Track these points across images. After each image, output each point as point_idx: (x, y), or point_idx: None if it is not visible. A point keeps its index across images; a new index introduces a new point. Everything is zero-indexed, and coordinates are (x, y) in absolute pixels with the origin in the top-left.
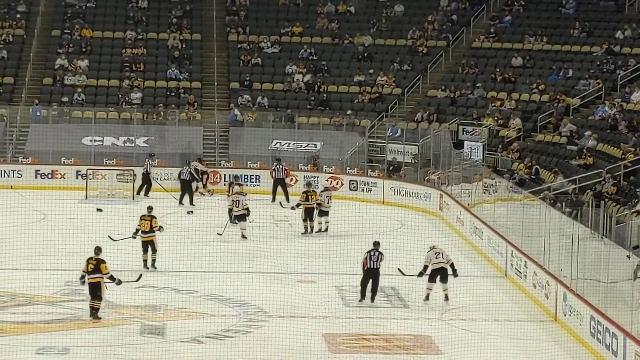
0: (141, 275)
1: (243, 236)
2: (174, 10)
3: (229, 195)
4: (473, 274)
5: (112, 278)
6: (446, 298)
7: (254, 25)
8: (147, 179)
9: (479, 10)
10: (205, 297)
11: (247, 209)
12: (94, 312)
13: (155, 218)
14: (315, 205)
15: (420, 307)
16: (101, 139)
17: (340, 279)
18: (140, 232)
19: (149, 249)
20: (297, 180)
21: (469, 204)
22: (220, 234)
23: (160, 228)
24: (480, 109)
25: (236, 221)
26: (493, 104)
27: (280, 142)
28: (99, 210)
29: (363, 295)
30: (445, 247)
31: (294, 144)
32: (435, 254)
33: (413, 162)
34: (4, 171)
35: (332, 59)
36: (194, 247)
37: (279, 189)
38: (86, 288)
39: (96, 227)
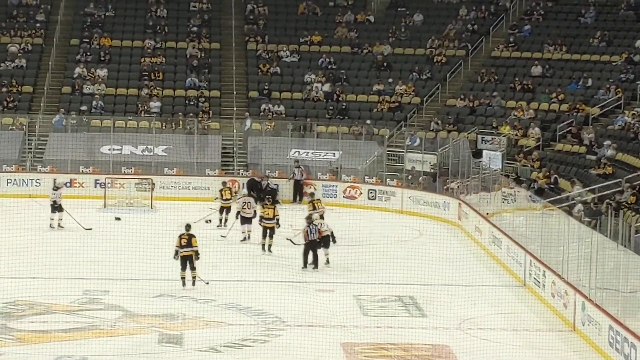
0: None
1: (247, 238)
2: (193, 19)
3: (238, 198)
4: (492, 283)
5: (197, 252)
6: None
7: (272, 34)
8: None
9: (498, 20)
10: (223, 306)
11: (255, 212)
12: (191, 282)
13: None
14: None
15: (439, 317)
16: (120, 147)
17: (359, 288)
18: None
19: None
20: (315, 189)
21: (487, 213)
22: (224, 237)
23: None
24: (499, 118)
25: (244, 223)
26: (513, 114)
27: (299, 151)
28: (118, 219)
29: (305, 265)
30: (464, 256)
31: (312, 153)
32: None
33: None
34: (23, 180)
35: (351, 68)
36: (212, 256)
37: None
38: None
39: (114, 236)
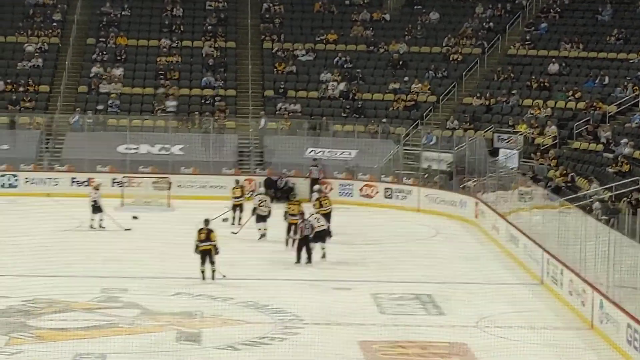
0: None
1: (263, 235)
2: (209, 18)
3: (254, 195)
4: (509, 281)
5: (216, 247)
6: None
7: (288, 32)
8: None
9: (514, 17)
10: (241, 304)
11: (270, 211)
12: (210, 276)
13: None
14: (329, 211)
15: (456, 315)
16: (136, 146)
17: (376, 287)
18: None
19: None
20: (332, 188)
21: (504, 212)
22: (236, 233)
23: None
24: (515, 116)
25: (259, 221)
26: (529, 112)
27: (315, 150)
28: (135, 218)
29: (298, 260)
30: (481, 254)
31: (328, 152)
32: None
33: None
34: (41, 179)
35: (367, 67)
36: (230, 254)
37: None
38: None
39: (132, 234)
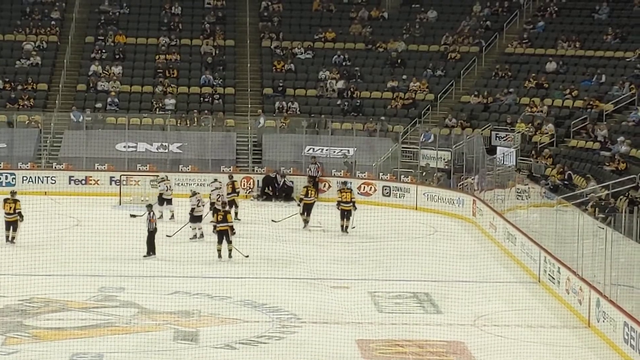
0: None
1: (197, 236)
2: (208, 16)
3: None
4: (506, 279)
5: (233, 228)
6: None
7: (287, 31)
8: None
9: (512, 16)
10: (239, 302)
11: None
12: (227, 254)
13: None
14: (312, 201)
15: (454, 313)
16: (135, 145)
17: (374, 285)
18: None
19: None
20: (330, 186)
21: (502, 210)
22: (134, 216)
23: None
24: (513, 114)
25: (195, 221)
26: (527, 110)
27: (314, 148)
28: (133, 216)
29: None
30: (479, 252)
31: (327, 150)
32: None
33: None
34: (38, 177)
35: (365, 65)
36: (227, 253)
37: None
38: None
39: (129, 233)
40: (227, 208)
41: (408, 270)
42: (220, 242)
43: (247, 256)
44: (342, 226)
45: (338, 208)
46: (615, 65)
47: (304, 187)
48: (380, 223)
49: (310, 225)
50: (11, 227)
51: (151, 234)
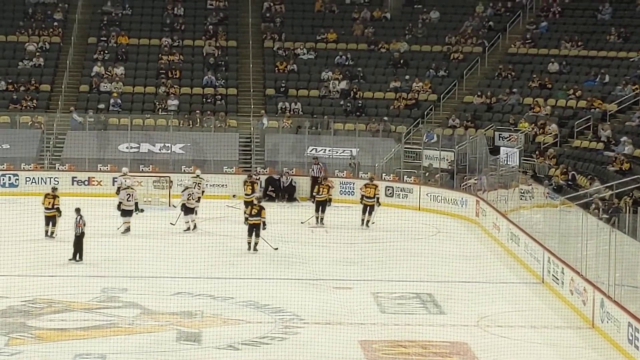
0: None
1: (190, 229)
2: (210, 17)
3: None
4: (510, 280)
5: (265, 223)
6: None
7: (289, 31)
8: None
9: (515, 16)
10: (242, 303)
11: (199, 198)
12: (253, 246)
13: (264, 209)
14: (327, 198)
15: (457, 314)
16: (137, 145)
17: (377, 286)
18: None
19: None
20: (333, 187)
21: (505, 210)
22: (174, 224)
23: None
24: (516, 115)
25: (188, 213)
26: (530, 110)
27: (317, 149)
28: (141, 210)
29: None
30: (482, 253)
31: (329, 151)
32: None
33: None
34: (41, 178)
35: (367, 65)
36: (231, 253)
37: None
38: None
39: (133, 234)
40: (261, 204)
41: (411, 270)
42: (250, 234)
43: (277, 249)
44: (362, 220)
45: (361, 202)
46: (618, 66)
47: (316, 185)
48: (383, 224)
49: (315, 225)
50: (50, 222)
51: (78, 238)
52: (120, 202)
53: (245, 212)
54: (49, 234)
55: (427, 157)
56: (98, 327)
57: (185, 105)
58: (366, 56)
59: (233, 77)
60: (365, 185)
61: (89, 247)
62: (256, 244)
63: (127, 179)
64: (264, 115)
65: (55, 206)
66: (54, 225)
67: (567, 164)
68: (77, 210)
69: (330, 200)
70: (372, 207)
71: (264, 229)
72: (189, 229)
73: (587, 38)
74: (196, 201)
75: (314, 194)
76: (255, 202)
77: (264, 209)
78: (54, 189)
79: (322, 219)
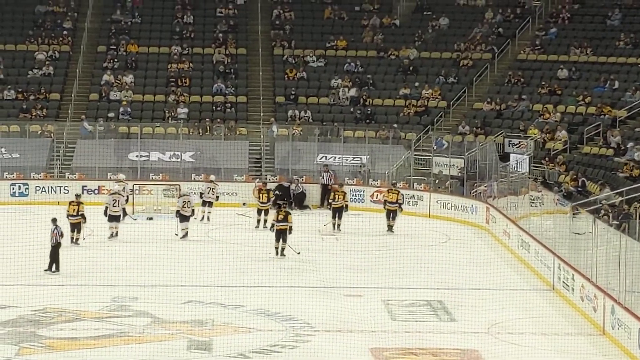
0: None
1: (185, 235)
2: (219, 25)
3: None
4: (520, 287)
5: (291, 228)
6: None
7: (299, 39)
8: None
9: (524, 22)
10: (252, 311)
11: (193, 210)
12: (281, 252)
13: (291, 214)
14: (343, 205)
15: (468, 321)
16: (147, 154)
17: (387, 293)
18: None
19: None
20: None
21: (515, 217)
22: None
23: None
24: (526, 121)
25: (183, 221)
26: (539, 117)
27: (327, 156)
28: (150, 219)
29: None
30: (492, 260)
31: (339, 158)
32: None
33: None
34: (51, 187)
35: (377, 72)
36: (241, 261)
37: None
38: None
39: (142, 243)
40: (287, 209)
41: (422, 278)
42: (277, 240)
43: (299, 253)
44: (388, 226)
45: (384, 207)
46: (628, 71)
47: (332, 192)
48: (393, 231)
49: (331, 231)
50: (75, 229)
51: (54, 248)
52: (106, 207)
53: (258, 219)
54: (74, 240)
55: (437, 164)
56: (109, 336)
57: (195, 113)
58: (376, 63)
59: (243, 84)
60: (387, 190)
61: (100, 255)
62: (283, 249)
63: (121, 185)
64: (274, 123)
65: (79, 213)
66: (78, 232)
67: (577, 171)
68: (54, 221)
69: (346, 206)
70: (395, 212)
71: (289, 233)
72: (185, 235)
73: (597, 44)
74: (209, 206)
75: (330, 200)
76: (281, 207)
77: (290, 214)
78: (78, 196)
79: (339, 225)
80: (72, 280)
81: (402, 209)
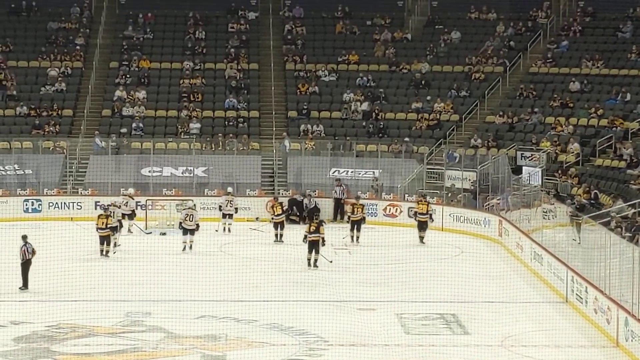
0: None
1: (190, 248)
2: (231, 40)
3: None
4: (534, 300)
5: (324, 239)
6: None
7: (311, 53)
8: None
9: (535, 36)
10: (266, 326)
11: (198, 224)
12: (313, 263)
13: (322, 226)
14: (362, 217)
15: (481, 334)
16: (160, 169)
17: (401, 307)
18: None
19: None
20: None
21: (528, 230)
22: (164, 233)
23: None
24: (538, 134)
25: (185, 234)
26: (552, 130)
27: (339, 170)
28: (163, 234)
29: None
30: (506, 273)
31: (352, 172)
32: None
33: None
34: (64, 203)
35: (389, 86)
36: (254, 276)
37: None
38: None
39: (156, 257)
40: (319, 220)
41: (435, 291)
42: (310, 251)
43: (332, 261)
44: (420, 237)
45: (415, 219)
46: (639, 84)
47: (351, 205)
48: (406, 244)
49: (350, 243)
50: (105, 242)
51: (24, 265)
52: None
53: (275, 233)
54: (104, 253)
55: (449, 178)
56: (122, 352)
57: (207, 129)
58: (388, 77)
59: (255, 99)
60: (417, 202)
61: (113, 270)
62: (316, 260)
63: (125, 199)
64: (286, 138)
65: (108, 226)
66: (107, 244)
67: (589, 183)
68: (24, 238)
69: (364, 219)
70: (425, 223)
71: (322, 244)
72: (184, 248)
73: (608, 56)
74: (229, 218)
75: (349, 214)
76: (313, 219)
77: (322, 225)
78: (106, 209)
79: (357, 237)
80: (85, 295)
81: (432, 220)
